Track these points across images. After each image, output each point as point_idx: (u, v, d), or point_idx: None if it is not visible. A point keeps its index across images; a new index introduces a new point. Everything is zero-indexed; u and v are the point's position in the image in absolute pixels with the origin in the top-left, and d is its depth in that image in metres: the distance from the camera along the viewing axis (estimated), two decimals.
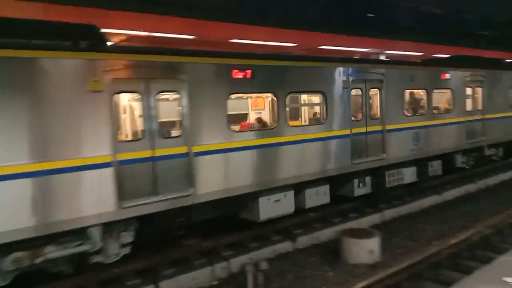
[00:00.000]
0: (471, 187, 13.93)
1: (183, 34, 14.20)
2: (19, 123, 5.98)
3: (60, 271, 6.81)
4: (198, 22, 14.03)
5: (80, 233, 6.64)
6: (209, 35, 14.61)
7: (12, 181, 5.92)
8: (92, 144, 6.55)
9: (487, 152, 15.00)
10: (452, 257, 7.99)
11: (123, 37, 13.82)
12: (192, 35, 14.40)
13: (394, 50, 20.67)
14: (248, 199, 8.79)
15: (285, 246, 9.01)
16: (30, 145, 6.05)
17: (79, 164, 6.43)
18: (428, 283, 7.05)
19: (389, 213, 11.20)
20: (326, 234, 9.71)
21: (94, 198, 6.57)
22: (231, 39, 15.52)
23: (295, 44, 17.40)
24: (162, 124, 7.79)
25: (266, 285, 7.28)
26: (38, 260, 6.34)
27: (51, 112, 6.23)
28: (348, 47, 18.78)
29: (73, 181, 6.39)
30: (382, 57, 20.97)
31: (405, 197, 12.28)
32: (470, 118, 13.78)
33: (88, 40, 6.82)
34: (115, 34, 13.30)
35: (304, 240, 9.31)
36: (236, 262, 8.01)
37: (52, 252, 6.46)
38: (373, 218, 10.80)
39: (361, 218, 10.54)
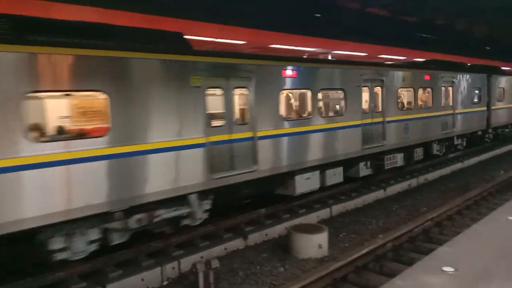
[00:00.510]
0: (413, 182, 14.63)
1: None
2: (157, 112, 7.67)
3: (162, 231, 8.41)
4: (147, 17, 13.65)
5: (180, 200, 8.22)
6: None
7: (159, 154, 7.70)
8: (193, 128, 8.23)
9: (456, 141, 17.80)
10: (395, 249, 8.36)
11: None
12: None
13: (341, 50, 21.24)
14: (286, 177, 10.49)
15: (236, 243, 9.02)
16: (161, 128, 7.73)
17: (187, 144, 8.14)
18: (373, 275, 7.31)
19: (336, 209, 11.51)
20: (276, 230, 9.83)
21: (193, 171, 8.22)
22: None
23: (245, 42, 17.42)
24: (237, 113, 9.65)
25: (217, 283, 7.24)
26: (155, 220, 7.93)
27: (167, 103, 7.86)
28: (297, 46, 19.06)
29: (182, 157, 8.06)
30: (329, 57, 21.52)
31: (351, 193, 12.69)
32: (444, 112, 16.22)
33: (178, 45, 8.60)
34: None
35: (254, 237, 9.36)
36: (186, 262, 7.91)
37: (163, 214, 8.05)
38: (321, 214, 11.06)
39: (309, 214, 10.77)
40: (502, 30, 24.91)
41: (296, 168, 10.42)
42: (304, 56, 18.38)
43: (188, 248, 8.48)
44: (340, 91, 11.88)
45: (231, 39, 16.55)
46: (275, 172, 9.93)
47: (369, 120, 12.56)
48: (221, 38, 16.22)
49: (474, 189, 12.97)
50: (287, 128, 10.18)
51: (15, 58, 6.15)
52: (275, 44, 18.06)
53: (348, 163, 12.36)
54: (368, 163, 13.01)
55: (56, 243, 6.80)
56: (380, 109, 13.15)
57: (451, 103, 16.70)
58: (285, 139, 10.11)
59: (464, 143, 18.71)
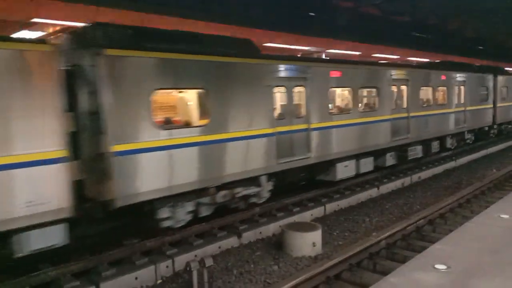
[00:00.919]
0: (406, 181, 14.72)
1: None
2: (240, 106, 9.31)
3: (236, 207, 9.90)
4: (142, 15, 13.57)
5: (253, 180, 9.82)
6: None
7: (242, 141, 9.35)
8: (266, 120, 9.81)
9: (466, 136, 19.42)
10: (388, 247, 8.42)
11: (57, 28, 13.08)
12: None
13: (335, 49, 21.28)
14: (328, 165, 11.94)
15: (230, 242, 9.03)
16: (244, 120, 9.38)
17: (262, 133, 9.73)
18: (367, 272, 7.35)
19: (330, 207, 11.56)
20: (270, 228, 9.85)
21: (265, 157, 9.83)
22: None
23: None
24: (295, 108, 10.87)
25: (211, 282, 7.25)
26: (236, 196, 9.53)
27: (248, 99, 9.47)
28: (291, 45, 19.06)
29: (258, 144, 9.67)
30: (323, 56, 21.56)
31: (344, 191, 12.75)
32: (457, 109, 17.79)
33: (250, 50, 10.19)
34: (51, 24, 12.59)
35: (249, 235, 9.38)
36: (181, 260, 7.91)
37: (241, 192, 9.59)
38: (315, 212, 11.10)
39: (303, 212, 10.80)
40: (493, 30, 25.15)
41: (339, 156, 11.97)
42: (298, 55, 18.40)
43: (183, 246, 8.48)
44: (374, 89, 13.42)
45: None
46: (324, 159, 11.55)
47: (397, 115, 14.13)
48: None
49: (467, 188, 13.10)
50: (333, 121, 11.75)
51: (147, 61, 7.72)
52: (270, 42, 18.04)
53: (377, 154, 13.73)
54: (394, 154, 14.52)
55: (164, 213, 8.22)
56: (405, 106, 14.64)
57: (462, 101, 18.29)
58: (332, 130, 11.70)
59: (473, 138, 20.38)
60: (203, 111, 8.94)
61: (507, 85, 22.63)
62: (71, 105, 7.03)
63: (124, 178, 7.31)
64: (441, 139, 17.26)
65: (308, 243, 8.44)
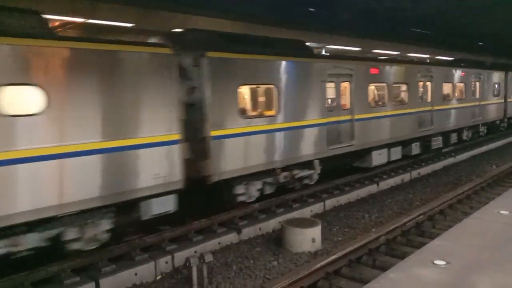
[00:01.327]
0: (406, 177, 14.72)
1: (121, 22, 13.65)
2: (303, 99, 10.97)
3: (293, 186, 11.35)
4: (139, 11, 13.55)
5: (307, 164, 11.32)
6: (149, 23, 14.16)
7: (302, 129, 10.90)
8: (319, 112, 11.31)
9: (480, 128, 21.21)
10: (388, 243, 8.42)
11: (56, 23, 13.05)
12: (131, 24, 13.89)
13: (335, 45, 21.23)
14: (365, 152, 13.35)
15: (230, 238, 9.04)
16: (305, 111, 11.03)
17: (317, 123, 11.27)
18: (366, 268, 7.37)
19: (330, 203, 11.57)
20: (270, 224, 9.86)
21: (319, 143, 11.35)
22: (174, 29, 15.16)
23: None
24: (342, 101, 12.31)
25: (211, 277, 7.27)
26: (296, 176, 11.07)
27: (308, 93, 11.06)
28: None
29: (314, 132, 11.25)
30: (323, 52, 21.50)
31: (344, 187, 12.76)
32: (473, 104, 19.48)
33: (305, 50, 11.82)
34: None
35: (248, 232, 9.39)
36: (180, 256, 7.91)
37: (298, 173, 11.10)
38: (315, 208, 11.11)
39: (303, 208, 10.81)
40: (493, 27, 25.11)
41: (375, 145, 13.44)
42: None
43: (182, 242, 8.48)
44: (404, 85, 14.96)
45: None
46: (364, 147, 13.00)
47: (422, 109, 15.66)
48: None
49: (466, 184, 13.10)
50: (372, 113, 13.21)
51: (235, 62, 9.37)
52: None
53: (405, 143, 15.15)
54: (418, 144, 15.94)
55: (240, 190, 9.71)
56: (429, 100, 16.13)
57: (478, 96, 19.95)
58: (371, 121, 13.13)
59: (485, 130, 22.02)
60: (272, 104, 10.42)
61: None
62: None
63: (219, 158, 8.94)
64: (459, 131, 18.86)
65: (308, 239, 8.45)
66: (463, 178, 14.75)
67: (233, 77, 9.31)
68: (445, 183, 14.26)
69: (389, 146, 14.16)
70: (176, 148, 8.12)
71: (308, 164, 11.34)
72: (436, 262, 5.03)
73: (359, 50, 22.70)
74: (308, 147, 11.08)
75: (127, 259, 7.67)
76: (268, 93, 10.57)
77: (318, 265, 7.03)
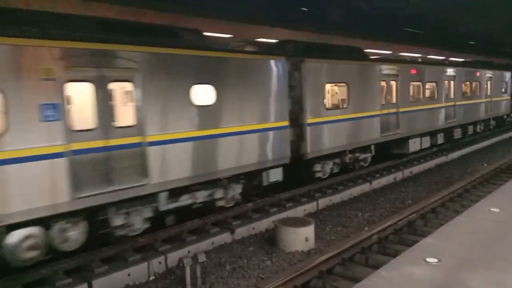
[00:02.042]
0: (398, 175, 14.81)
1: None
2: (366, 94, 13.62)
3: (352, 168, 13.81)
4: (129, 9, 13.45)
5: (366, 148, 14.01)
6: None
7: (364, 119, 13.40)
8: (376, 105, 13.92)
9: (491, 122, 24.27)
10: (380, 241, 8.47)
11: None
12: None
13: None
14: (403, 141, 15.82)
15: (223, 238, 9.03)
16: (366, 104, 13.61)
17: (374, 114, 13.88)
18: (359, 267, 7.40)
19: (323, 202, 11.60)
20: (263, 224, 9.86)
21: (375, 131, 13.97)
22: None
23: (231, 35, 17.32)
24: (390, 96, 14.79)
25: (204, 278, 7.26)
26: (358, 158, 13.80)
27: (369, 89, 13.63)
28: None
29: (372, 121, 13.77)
30: None
31: (337, 186, 12.80)
32: (486, 100, 22.40)
33: (363, 55, 14.37)
34: None
35: (242, 231, 9.39)
36: (173, 257, 7.89)
37: (359, 156, 13.77)
38: (308, 207, 11.13)
39: (296, 207, 10.83)
40: (485, 26, 25.34)
41: (411, 134, 15.93)
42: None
43: (175, 242, 8.46)
44: (434, 83, 17.50)
45: (216, 33, 16.43)
46: (404, 135, 15.57)
47: (447, 104, 18.40)
48: (206, 32, 16.10)
49: (458, 182, 13.20)
50: (411, 107, 15.68)
51: (322, 66, 11.93)
52: (263, 38, 18.00)
53: (432, 134, 17.70)
54: (443, 134, 18.50)
55: (318, 167, 12.29)
56: (452, 96, 18.79)
57: (489, 93, 22.82)
58: (410, 114, 15.63)
59: (495, 123, 24.95)
60: (345, 98, 13.03)
61: None
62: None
63: (312, 140, 11.56)
64: (474, 124, 21.63)
65: (301, 238, 8.47)
66: (454, 177, 14.85)
67: (321, 77, 11.94)
68: (437, 181, 14.36)
69: (420, 135, 16.65)
70: (286, 131, 10.88)
71: (366, 148, 14.02)
72: (428, 260, 5.08)
73: None
74: (368, 134, 13.71)
75: (120, 260, 7.63)
76: (342, 90, 13.23)
77: (312, 264, 7.05)
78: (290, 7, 16.53)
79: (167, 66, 8.15)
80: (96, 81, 7.19)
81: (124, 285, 7.20)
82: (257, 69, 10.10)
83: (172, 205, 8.56)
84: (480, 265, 4.92)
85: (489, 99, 22.67)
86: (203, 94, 8.83)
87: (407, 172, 15.33)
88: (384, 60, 16.60)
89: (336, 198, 12.07)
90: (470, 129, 21.22)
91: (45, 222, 6.81)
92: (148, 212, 8.19)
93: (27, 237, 6.63)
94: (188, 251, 8.12)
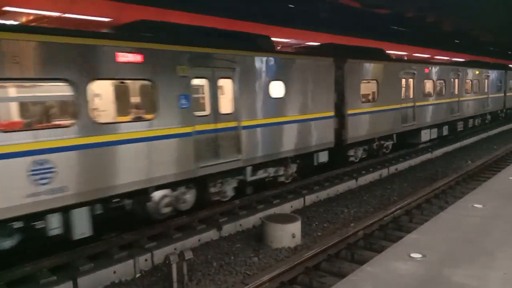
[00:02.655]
0: (384, 172, 14.95)
1: (99, 17, 13.40)
2: (394, 89, 15.90)
3: (376, 154, 15.65)
4: (115, 4, 13.32)
5: (388, 136, 16.03)
6: (127, 18, 13.91)
7: (392, 111, 15.65)
8: (398, 99, 15.84)
9: (487, 116, 26.36)
10: (366, 237, 8.55)
11: (31, 17, 12.73)
12: (108, 18, 13.64)
13: (315, 42, 21.32)
14: (416, 131, 17.83)
15: (210, 235, 9.02)
16: (395, 98, 15.90)
17: (407, 106, 16.57)
18: (345, 263, 7.46)
19: (309, 198, 11.66)
20: (250, 221, 9.88)
21: (396, 122, 15.92)
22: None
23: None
24: (408, 92, 17.13)
25: (191, 275, 7.24)
26: (383, 145, 15.85)
27: (396, 85, 15.84)
28: (271, 37, 19.00)
29: (394, 113, 15.76)
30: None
31: (324, 183, 12.88)
32: (484, 96, 24.79)
33: (388, 56, 17.24)
34: (23, 13, 12.22)
35: (229, 228, 9.39)
36: (160, 254, 7.86)
37: (384, 143, 15.89)
38: (295, 204, 11.18)
39: (283, 204, 10.86)
40: (468, 25, 25.77)
41: (423, 125, 17.96)
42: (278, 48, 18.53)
43: (162, 239, 8.42)
44: (442, 81, 19.55)
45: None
46: (418, 126, 17.60)
47: (452, 99, 20.41)
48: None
49: (442, 179, 13.38)
50: (424, 101, 17.93)
51: (359, 65, 14.08)
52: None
53: (439, 126, 19.64)
54: (447, 127, 20.43)
55: (352, 152, 14.57)
56: (457, 92, 21.00)
57: (486, 90, 25.08)
58: (423, 107, 17.78)
59: (490, 118, 27.11)
60: (375, 93, 15.07)
61: None
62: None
63: (351, 129, 13.56)
64: (474, 117, 23.92)
65: (288, 234, 8.50)
66: (439, 173, 15.04)
67: (358, 75, 13.99)
68: (422, 178, 14.54)
69: (430, 127, 18.69)
70: (332, 120, 12.87)
71: (389, 137, 16.07)
72: (412, 255, 5.14)
73: None
74: (392, 124, 15.72)
75: (105, 257, 7.57)
76: (372, 86, 15.04)
77: (298, 260, 7.08)
78: (277, 5, 16.51)
79: (254, 67, 10.29)
80: (210, 77, 9.17)
81: (109, 283, 7.15)
82: (313, 68, 12.11)
83: (253, 178, 10.69)
84: (463, 260, 5.00)
85: (486, 96, 25.08)
86: (276, 89, 10.94)
87: (392, 169, 15.48)
88: (405, 60, 19.45)
89: (323, 194, 12.14)
90: (471, 123, 23.55)
91: (171, 186, 8.70)
92: (236, 183, 10.29)
93: (164, 196, 8.60)
94: (175, 248, 8.09)
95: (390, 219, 9.48)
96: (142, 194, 8.20)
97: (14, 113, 7.90)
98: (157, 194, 8.44)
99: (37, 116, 7.75)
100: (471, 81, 22.83)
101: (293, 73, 11.42)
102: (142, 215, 8.51)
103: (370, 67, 14.56)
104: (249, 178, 10.54)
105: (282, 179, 11.70)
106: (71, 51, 6.98)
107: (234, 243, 8.87)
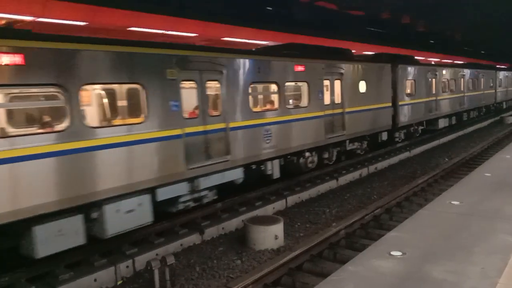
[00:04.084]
0: (364, 172, 15.12)
1: (73, 21, 13.19)
2: (420, 86, 19.99)
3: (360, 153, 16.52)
4: (89, 8, 13.12)
5: (419, 123, 20.53)
6: (102, 22, 13.76)
7: (419, 104, 20.04)
8: (427, 93, 20.29)
9: (482, 110, 30.97)
10: (348, 237, 8.63)
11: (3, 21, 12.42)
12: (83, 21, 13.44)
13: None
14: (434, 120, 21.76)
15: (192, 239, 8.95)
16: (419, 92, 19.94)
17: (425, 100, 20.29)
18: (327, 262, 7.51)
19: (291, 199, 11.70)
20: (233, 223, 9.85)
21: (425, 111, 20.34)
22: (129, 27, 14.81)
23: (196, 35, 17.20)
24: (431, 88, 21.05)
25: (174, 280, 7.18)
26: (414, 130, 20.22)
27: (423, 84, 20.02)
28: (249, 39, 19.05)
29: (423, 105, 20.18)
30: None
31: (305, 184, 12.94)
32: (480, 92, 29.23)
33: (415, 60, 21.93)
34: None
35: (211, 232, 9.34)
36: (141, 260, 7.75)
37: (416, 128, 20.33)
38: (277, 205, 11.20)
39: (266, 206, 10.86)
40: (441, 25, 26.46)
41: (440, 116, 22.05)
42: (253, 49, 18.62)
43: (143, 245, 8.32)
44: (454, 80, 23.93)
45: (181, 32, 16.27)
46: (437, 116, 21.63)
47: (458, 95, 24.74)
48: (171, 30, 15.89)
49: (421, 177, 13.62)
50: (443, 96, 22.22)
51: (406, 68, 18.47)
52: (227, 37, 17.96)
53: (449, 117, 23.64)
54: (455, 117, 24.77)
55: (396, 135, 18.39)
56: (462, 89, 25.40)
57: (482, 87, 29.71)
58: (442, 101, 22.08)
59: (484, 110, 31.52)
60: (413, 89, 19.13)
61: (501, 78, 35.58)
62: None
63: (401, 115, 17.83)
64: (473, 110, 28.45)
65: (271, 236, 8.51)
66: (418, 171, 15.31)
67: (404, 76, 18.19)
68: (401, 176, 14.77)
69: (444, 117, 22.83)
70: (390, 109, 17.13)
71: (421, 123, 20.33)
72: (393, 253, 5.21)
73: None
74: (422, 113, 19.93)
75: (85, 265, 7.44)
76: (412, 83, 19.11)
77: (281, 262, 7.10)
78: (255, 7, 16.55)
79: (356, 72, 14.78)
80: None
81: None
82: (381, 71, 16.55)
83: (349, 147, 15.16)
84: (441, 256, 5.10)
85: (482, 92, 29.74)
86: (363, 86, 15.03)
87: (372, 168, 15.68)
88: (430, 64, 25.03)
89: (305, 195, 12.20)
90: (472, 114, 28.43)
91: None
92: (336, 151, 14.45)
93: (309, 156, 12.76)
94: (157, 254, 8.00)
95: (370, 218, 9.60)
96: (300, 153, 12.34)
97: None
98: (307, 154, 12.57)
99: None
100: (472, 80, 27.33)
101: (369, 75, 15.48)
102: (297, 166, 12.50)
103: (411, 70, 18.86)
104: (348, 147, 14.84)
105: (358, 151, 15.68)
106: None
107: (217, 246, 8.83)
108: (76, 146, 6.74)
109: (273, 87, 11.46)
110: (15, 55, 6.17)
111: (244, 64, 10.19)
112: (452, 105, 23.68)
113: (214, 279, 7.35)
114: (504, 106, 38.17)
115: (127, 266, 7.64)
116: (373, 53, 21.33)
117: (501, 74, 35.95)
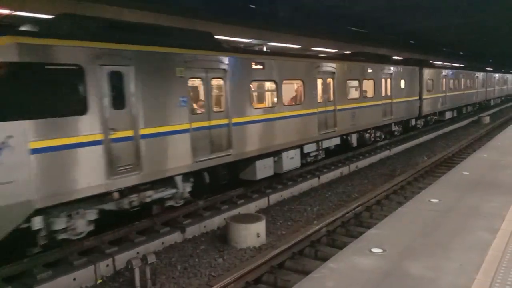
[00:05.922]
0: (345, 170, 15.26)
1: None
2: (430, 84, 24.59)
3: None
4: (77, 3, 12.87)
5: (431, 115, 25.57)
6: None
7: (433, 98, 25.20)
8: (441, 90, 26.06)
9: (477, 105, 37.04)
10: (329, 234, 8.70)
11: None
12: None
13: (276, 42, 21.49)
14: (443, 112, 27.13)
15: (174, 237, 8.89)
16: (437, 89, 25.52)
17: (440, 95, 25.99)
18: (309, 260, 7.56)
19: (273, 197, 11.73)
20: (215, 222, 9.82)
21: (439, 105, 25.87)
22: None
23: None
24: (441, 86, 26.37)
25: (155, 278, 7.12)
26: (430, 119, 25.93)
27: (436, 82, 25.23)
28: (232, 37, 18.98)
29: (438, 99, 25.71)
30: (264, 49, 21.68)
31: (287, 182, 12.99)
32: (475, 90, 34.64)
33: (430, 63, 27.71)
34: None
35: (193, 230, 9.29)
36: (122, 259, 7.66)
37: (432, 118, 26.18)
38: (259, 203, 11.21)
39: (248, 204, 10.87)
40: (422, 26, 26.81)
41: (448, 108, 27.17)
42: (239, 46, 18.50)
43: (123, 244, 8.23)
44: (457, 80, 28.96)
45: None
46: (446, 109, 26.71)
47: (460, 92, 29.73)
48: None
49: (401, 175, 13.83)
50: (450, 92, 26.99)
51: (427, 71, 23.92)
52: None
53: (455, 109, 29.41)
54: (456, 111, 29.77)
55: (414, 122, 23.01)
56: (463, 87, 30.25)
57: (476, 86, 34.74)
58: (449, 97, 26.89)
59: (478, 106, 37.52)
60: (432, 86, 23.81)
61: (499, 79, 44.51)
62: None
63: (424, 106, 22.91)
64: (470, 105, 34.18)
65: (253, 234, 8.51)
66: (397, 170, 15.54)
67: (426, 75, 22.72)
68: (381, 174, 14.96)
69: (450, 110, 27.83)
70: (418, 101, 21.97)
71: (435, 114, 25.33)
72: (373, 250, 5.28)
73: (298, 48, 23.15)
74: (437, 106, 24.96)
75: (64, 264, 7.32)
76: (431, 82, 23.56)
77: (263, 260, 7.12)
78: (238, 5, 16.48)
79: (402, 73, 20.06)
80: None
81: None
82: (412, 72, 21.29)
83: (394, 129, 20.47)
84: (421, 253, 5.18)
85: (476, 90, 34.87)
86: (403, 83, 19.76)
87: (353, 166, 15.84)
88: (443, 66, 30.14)
89: (286, 193, 12.25)
90: (469, 108, 34.24)
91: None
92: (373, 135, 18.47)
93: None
94: (137, 252, 7.92)
95: (351, 216, 9.70)
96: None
97: None
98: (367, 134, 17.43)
99: None
100: (471, 80, 32.90)
101: (406, 75, 20.39)
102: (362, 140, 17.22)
103: (430, 71, 23.72)
104: (393, 129, 19.89)
105: (396, 133, 20.67)
106: None
107: (199, 245, 8.79)
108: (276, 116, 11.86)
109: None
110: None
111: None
112: (455, 100, 28.92)
113: (196, 278, 7.32)
114: (492, 103, 44.68)
115: (107, 265, 7.54)
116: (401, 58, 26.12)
117: (491, 76, 43.02)
